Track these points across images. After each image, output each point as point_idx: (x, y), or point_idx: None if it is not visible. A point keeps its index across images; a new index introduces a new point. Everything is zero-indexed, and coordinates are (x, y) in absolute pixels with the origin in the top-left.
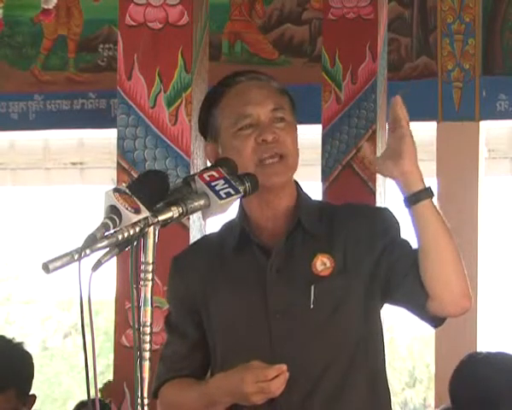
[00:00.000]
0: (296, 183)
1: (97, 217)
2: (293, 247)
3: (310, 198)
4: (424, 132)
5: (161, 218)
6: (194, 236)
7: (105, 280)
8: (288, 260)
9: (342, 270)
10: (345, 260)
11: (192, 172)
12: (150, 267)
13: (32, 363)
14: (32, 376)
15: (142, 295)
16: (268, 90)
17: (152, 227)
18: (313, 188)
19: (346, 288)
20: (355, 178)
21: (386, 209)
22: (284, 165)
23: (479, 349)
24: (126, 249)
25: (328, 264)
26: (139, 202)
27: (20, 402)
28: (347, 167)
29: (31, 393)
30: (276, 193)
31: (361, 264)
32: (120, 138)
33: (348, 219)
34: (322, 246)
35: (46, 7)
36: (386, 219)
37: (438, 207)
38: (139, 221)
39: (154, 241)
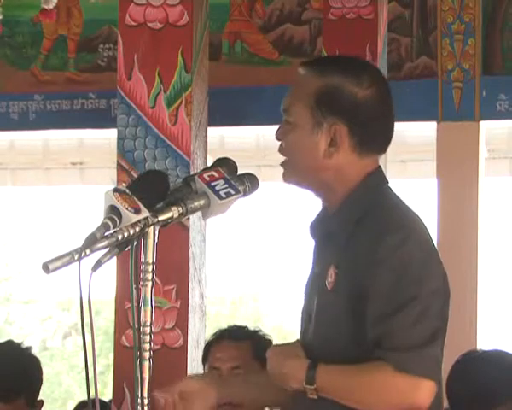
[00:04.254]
0: (364, 186)
1: (97, 217)
2: (321, 251)
3: (367, 202)
4: (424, 132)
5: (161, 218)
6: (194, 236)
7: (105, 280)
8: (317, 264)
9: (336, 287)
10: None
11: (192, 172)
12: (150, 267)
13: (41, 369)
14: (40, 382)
15: (142, 295)
16: (294, 87)
17: (152, 227)
18: None
19: (336, 306)
20: None
21: (387, 244)
22: (284, 167)
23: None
24: (126, 249)
25: (333, 277)
26: (139, 202)
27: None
28: None
29: (38, 399)
30: (315, 195)
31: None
32: (120, 138)
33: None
34: (335, 256)
35: (46, 7)
36: (380, 261)
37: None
38: (139, 221)
39: (154, 241)
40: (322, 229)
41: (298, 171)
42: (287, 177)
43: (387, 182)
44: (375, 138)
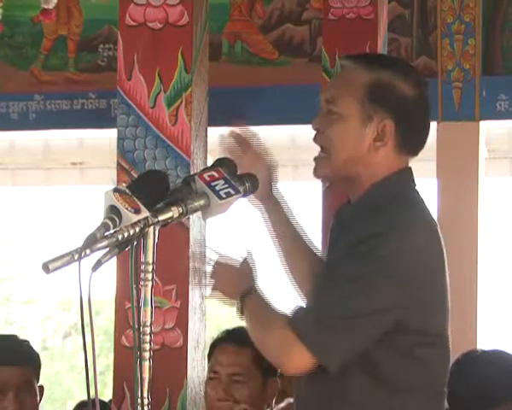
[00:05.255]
0: (386, 181)
1: (97, 217)
2: (333, 245)
3: (382, 195)
4: None
5: (161, 218)
6: (195, 236)
7: (105, 280)
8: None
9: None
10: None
11: (192, 172)
12: (150, 267)
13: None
14: (40, 366)
15: (142, 295)
16: (341, 79)
17: (152, 227)
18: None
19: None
20: None
21: (369, 229)
22: (322, 160)
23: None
24: (126, 249)
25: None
26: (139, 202)
27: (35, 379)
28: None
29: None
30: (340, 186)
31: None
32: (120, 138)
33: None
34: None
35: (46, 7)
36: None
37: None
38: (139, 221)
39: (154, 241)
40: (338, 221)
41: (336, 162)
42: (321, 170)
43: (413, 182)
44: (415, 139)
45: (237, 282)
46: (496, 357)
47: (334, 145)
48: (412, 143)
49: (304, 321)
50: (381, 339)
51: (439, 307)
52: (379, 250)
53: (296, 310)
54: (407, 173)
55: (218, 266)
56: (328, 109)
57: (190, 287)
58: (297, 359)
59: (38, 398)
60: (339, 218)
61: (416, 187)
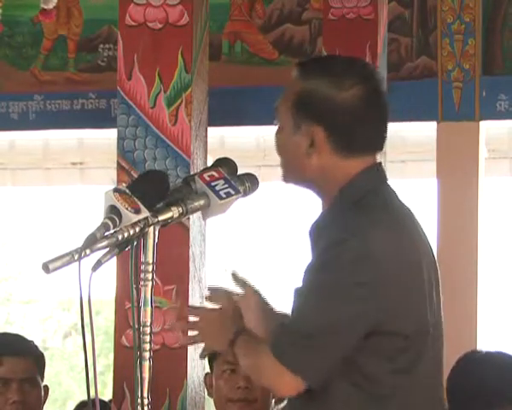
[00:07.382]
0: (350, 187)
1: (97, 217)
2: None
3: (341, 208)
4: (424, 132)
5: (161, 218)
6: (195, 236)
7: (105, 280)
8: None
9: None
10: None
11: (192, 172)
12: (150, 267)
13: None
14: (44, 364)
15: (142, 295)
16: (285, 89)
17: (152, 227)
18: None
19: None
20: None
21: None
22: (281, 168)
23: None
24: (126, 249)
25: None
26: (139, 202)
27: (39, 375)
28: None
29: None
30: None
31: None
32: (120, 138)
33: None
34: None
35: (46, 7)
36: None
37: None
38: (139, 221)
39: (154, 241)
40: (310, 234)
41: (286, 171)
42: (284, 178)
43: (380, 181)
44: (358, 139)
45: (222, 334)
46: (498, 358)
47: (280, 155)
48: (358, 144)
49: (281, 343)
50: (360, 345)
51: (412, 308)
52: (342, 257)
53: (276, 332)
54: (370, 173)
55: (203, 321)
56: (276, 120)
57: (190, 287)
58: (286, 383)
59: (43, 396)
60: (310, 230)
61: (386, 183)
